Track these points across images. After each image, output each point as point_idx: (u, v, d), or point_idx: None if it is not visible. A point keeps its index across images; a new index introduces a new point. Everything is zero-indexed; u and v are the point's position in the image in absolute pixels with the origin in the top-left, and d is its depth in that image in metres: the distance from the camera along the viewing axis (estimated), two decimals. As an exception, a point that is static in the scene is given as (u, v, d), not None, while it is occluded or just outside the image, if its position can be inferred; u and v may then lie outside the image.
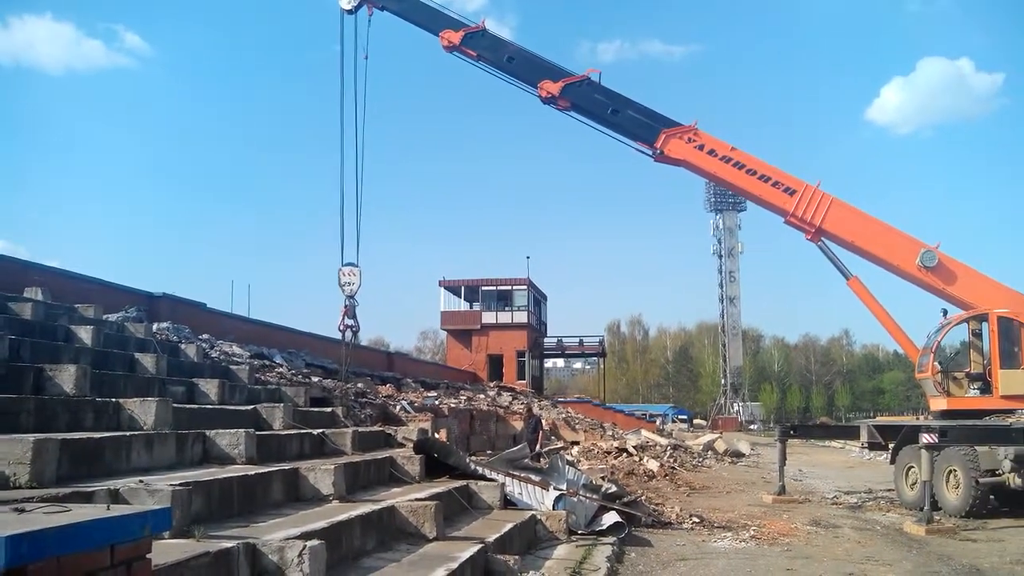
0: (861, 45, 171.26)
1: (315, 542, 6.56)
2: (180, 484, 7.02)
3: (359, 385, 24.01)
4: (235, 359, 19.73)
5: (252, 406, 13.23)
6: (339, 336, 19.19)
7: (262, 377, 18.85)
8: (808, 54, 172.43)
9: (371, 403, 21.31)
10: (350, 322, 18.26)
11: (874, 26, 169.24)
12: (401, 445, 14.61)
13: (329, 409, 16.22)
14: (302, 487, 9.59)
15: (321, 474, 9.65)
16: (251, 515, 8.19)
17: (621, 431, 44.17)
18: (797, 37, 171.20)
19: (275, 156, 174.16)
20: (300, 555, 6.38)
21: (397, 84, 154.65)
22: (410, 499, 9.90)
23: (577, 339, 72.55)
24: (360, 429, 14.63)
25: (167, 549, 5.85)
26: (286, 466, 9.84)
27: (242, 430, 10.08)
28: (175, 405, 10.69)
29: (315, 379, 22.08)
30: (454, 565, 7.93)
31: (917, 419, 24.10)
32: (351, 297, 18.06)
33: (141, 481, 7.13)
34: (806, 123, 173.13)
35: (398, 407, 22.97)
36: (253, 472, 8.96)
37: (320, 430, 13.06)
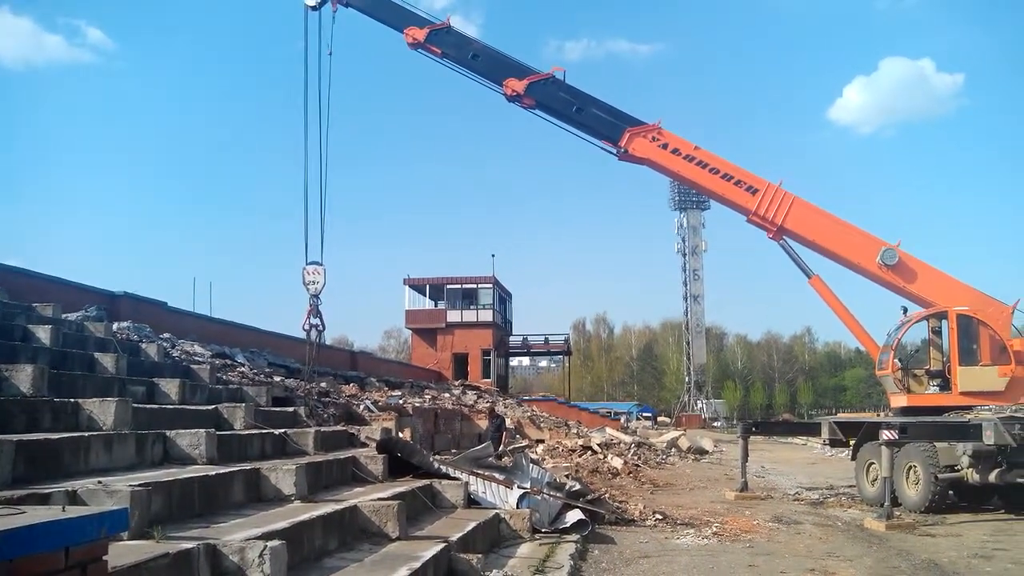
0: (825, 44, 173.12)
1: (276, 542, 6.54)
2: (139, 485, 6.96)
3: (322, 385, 23.91)
4: (196, 358, 19.57)
5: (213, 406, 13.13)
6: (303, 335, 19.11)
7: (224, 377, 18.72)
8: (772, 53, 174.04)
9: (334, 403, 21.23)
10: (315, 321, 18.16)
11: (839, 25, 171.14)
12: (364, 445, 14.57)
13: (291, 409, 16.14)
14: (263, 487, 9.54)
15: (283, 474, 9.60)
16: (212, 516, 8.14)
17: (586, 429, 44.25)
18: (761, 36, 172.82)
19: (240, 153, 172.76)
20: (261, 555, 6.35)
21: (363, 83, 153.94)
22: (373, 499, 9.88)
23: (543, 337, 72.73)
24: (323, 429, 14.58)
25: (126, 551, 5.81)
26: (247, 466, 9.77)
27: (202, 430, 10.01)
28: (135, 405, 10.58)
29: (278, 379, 21.96)
30: (417, 564, 7.92)
31: (878, 416, 24.34)
32: (315, 296, 17.97)
33: (100, 482, 7.06)
34: (769, 122, 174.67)
35: (362, 407, 22.89)
36: (214, 472, 8.90)
37: (282, 430, 13.00)
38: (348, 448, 14.34)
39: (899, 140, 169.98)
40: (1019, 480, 16.22)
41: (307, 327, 18.29)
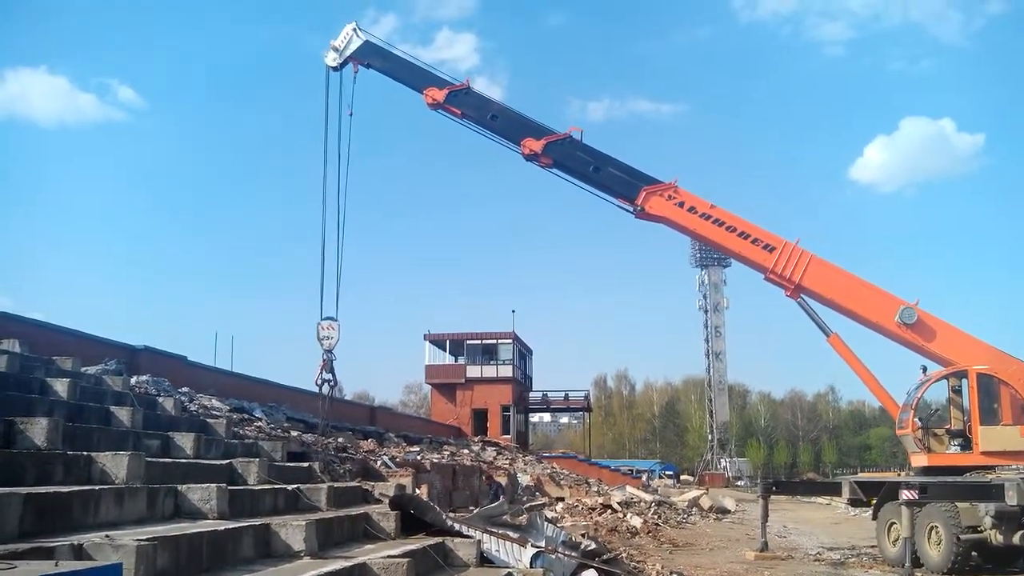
0: (844, 104, 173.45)
1: (282, 600, 6.51)
2: (146, 539, 6.97)
3: (339, 440, 23.85)
4: (214, 412, 19.60)
5: (227, 460, 13.11)
6: (317, 391, 19.18)
7: (240, 431, 18.72)
8: (792, 113, 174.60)
9: (351, 458, 21.13)
10: (327, 376, 18.22)
11: (857, 85, 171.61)
12: (378, 501, 14.46)
13: (306, 464, 16.08)
14: (273, 543, 9.50)
15: (292, 530, 9.56)
16: (220, 571, 8.12)
17: (606, 487, 43.92)
18: (781, 96, 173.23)
19: (267, 211, 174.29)
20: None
21: (382, 139, 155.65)
22: (383, 556, 9.82)
23: (563, 393, 72.48)
24: (336, 484, 14.52)
25: (128, 606, 5.81)
26: (257, 521, 9.74)
27: (214, 485, 10.00)
28: (148, 459, 10.60)
29: (295, 433, 21.93)
30: (424, 623, 7.86)
31: (899, 475, 24.05)
32: (329, 351, 18.03)
33: (107, 536, 7.06)
34: (791, 181, 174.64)
35: (379, 462, 22.78)
36: (223, 527, 8.88)
37: (295, 485, 12.96)
38: (362, 504, 14.25)
39: (921, 199, 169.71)
40: (1044, 542, 15.94)
41: (319, 382, 18.36)
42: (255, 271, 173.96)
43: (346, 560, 9.36)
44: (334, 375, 18.33)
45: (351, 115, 21.64)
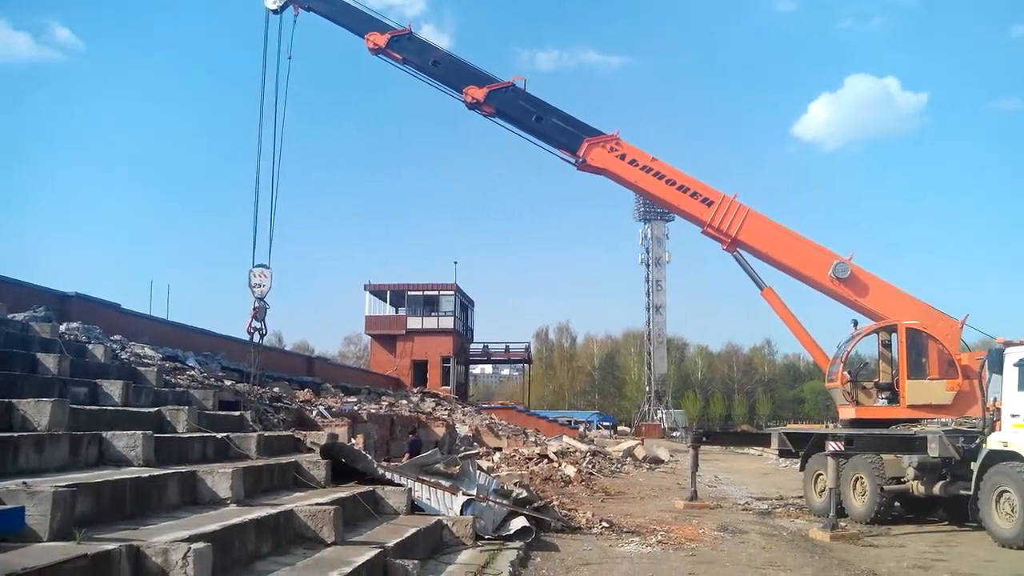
0: (793, 60, 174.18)
1: (201, 544, 6.50)
2: (65, 486, 6.90)
3: (275, 389, 23.76)
4: (145, 361, 19.36)
5: (157, 408, 12.98)
6: (248, 339, 19.01)
7: (172, 380, 18.51)
8: (739, 68, 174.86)
9: (287, 407, 21.10)
10: (258, 324, 18.06)
11: (806, 41, 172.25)
12: (310, 450, 14.47)
13: (238, 413, 16.00)
14: (199, 490, 9.46)
15: (220, 477, 9.53)
16: (143, 518, 8.08)
17: (544, 437, 44.31)
18: (729, 51, 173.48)
19: (204, 156, 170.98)
20: (184, 557, 6.31)
21: (325, 85, 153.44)
22: (310, 503, 9.84)
23: (504, 345, 72.70)
24: (267, 433, 14.51)
25: (42, 552, 5.77)
26: (184, 469, 9.69)
27: (140, 432, 9.90)
28: (74, 406, 10.49)
29: (228, 383, 21.76)
30: (348, 569, 7.91)
31: (828, 427, 24.57)
32: (261, 299, 17.85)
33: (24, 483, 6.95)
34: (735, 136, 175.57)
35: (315, 412, 22.78)
36: (147, 474, 8.83)
37: (225, 434, 12.90)
38: (294, 453, 14.24)
39: (863, 156, 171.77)
40: (963, 492, 16.39)
41: (250, 331, 18.19)
42: (192, 218, 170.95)
43: (273, 507, 9.37)
44: (264, 324, 18.15)
45: (290, 59, 21.26)
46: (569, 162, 23.08)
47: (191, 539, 6.75)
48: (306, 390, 28.69)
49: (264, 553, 8.32)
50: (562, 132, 23.01)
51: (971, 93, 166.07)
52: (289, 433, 16.10)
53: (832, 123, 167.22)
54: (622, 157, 22.53)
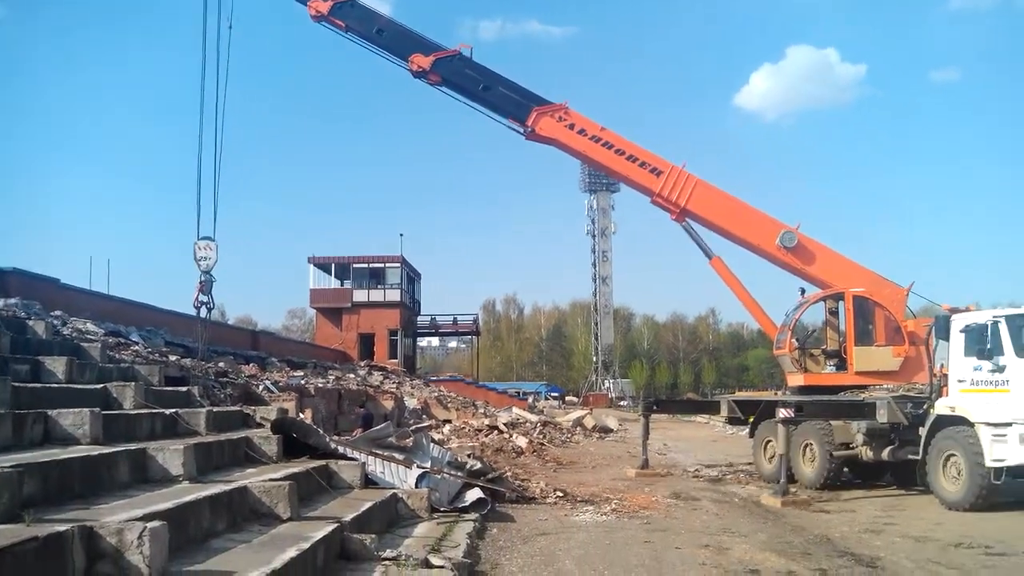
0: (735, 31, 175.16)
1: (156, 523, 6.30)
2: (11, 466, 6.66)
3: (220, 364, 23.38)
4: (88, 336, 18.91)
5: (102, 385, 12.68)
6: (195, 313, 18.68)
7: (116, 355, 18.10)
8: (683, 39, 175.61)
9: (233, 383, 20.77)
10: (204, 298, 17.74)
11: (748, 13, 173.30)
12: (260, 425, 14.24)
13: (185, 388, 15.71)
14: (150, 468, 9.23)
15: (171, 454, 9.31)
16: (94, 498, 7.84)
17: (493, 409, 44.42)
18: (672, 21, 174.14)
19: (142, 126, 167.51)
20: (140, 537, 6.12)
21: (268, 54, 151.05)
22: (264, 479, 9.67)
23: (452, 317, 72.46)
24: (216, 409, 14.25)
25: (-10, 535, 5.55)
26: (134, 446, 9.45)
27: (87, 409, 9.63)
28: (16, 384, 10.20)
29: (173, 358, 21.37)
30: (306, 545, 7.76)
31: (776, 394, 24.88)
32: (207, 272, 17.53)
33: (-34, 464, 6.71)
34: (678, 106, 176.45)
35: (261, 387, 22.50)
36: (97, 453, 8.60)
37: (174, 410, 12.64)
38: (243, 429, 14.00)
39: (803, 127, 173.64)
40: (911, 457, 16.64)
41: (197, 305, 17.89)
42: (133, 191, 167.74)
43: (226, 484, 9.19)
44: (212, 297, 17.84)
45: (231, 28, 20.72)
46: (517, 131, 22.98)
47: (145, 518, 6.55)
48: (251, 365, 28.35)
49: (219, 530, 8.15)
50: (510, 101, 22.89)
51: (909, 65, 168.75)
52: (238, 408, 15.85)
53: (773, 93, 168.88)
54: (571, 127, 22.49)
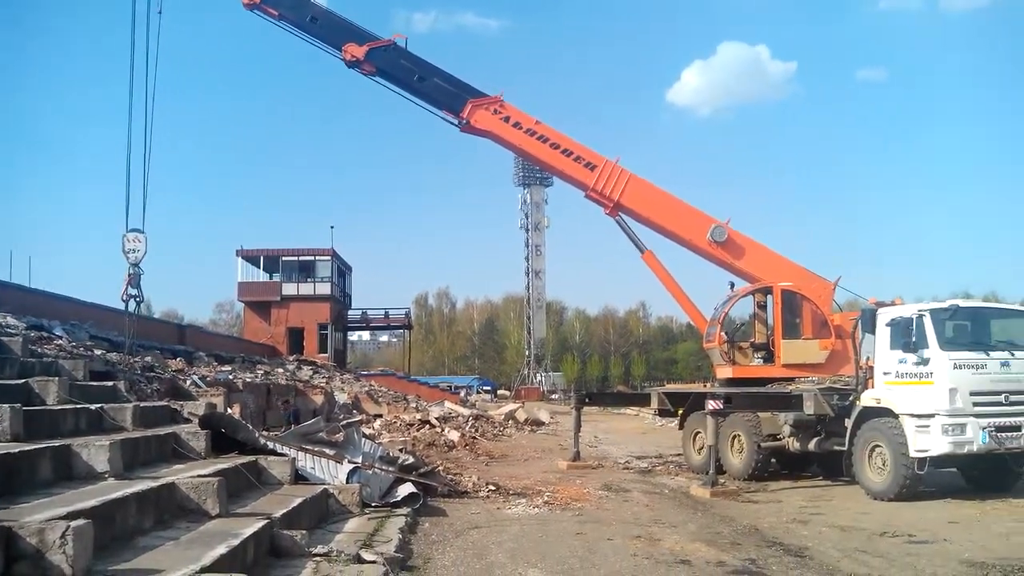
0: (666, 27, 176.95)
1: (80, 522, 6.17)
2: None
3: (147, 359, 22.95)
4: (8, 330, 18.40)
5: (23, 380, 12.33)
6: (123, 307, 18.28)
7: (38, 350, 17.66)
8: (616, 33, 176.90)
9: (159, 377, 20.43)
10: (133, 291, 17.39)
11: (680, 8, 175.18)
12: (188, 420, 13.99)
13: (111, 383, 15.34)
14: (75, 465, 9.01)
15: (96, 450, 9.09)
16: (14, 496, 7.63)
17: (425, 403, 44.31)
18: (605, 16, 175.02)
19: (63, 116, 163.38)
20: (63, 536, 5.98)
21: (196, 45, 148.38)
22: (192, 475, 9.50)
23: (383, 311, 72.03)
24: (143, 404, 13.92)
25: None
26: (56, 443, 9.21)
27: (6, 405, 9.34)
28: (-69, 380, 9.87)
29: (99, 352, 20.92)
30: (236, 541, 7.66)
31: (705, 387, 25.19)
32: (136, 265, 17.18)
33: None
34: (611, 101, 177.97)
35: (189, 381, 22.17)
36: (17, 450, 8.35)
37: (99, 405, 12.33)
38: (171, 424, 13.73)
39: (735, 123, 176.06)
40: (836, 448, 16.93)
41: (125, 298, 17.53)
42: (55, 181, 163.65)
43: (153, 480, 9.01)
44: (141, 290, 17.50)
45: (160, 13, 20.26)
46: (452, 123, 22.92)
47: (69, 516, 6.40)
48: (178, 359, 27.93)
49: (147, 528, 7.99)
50: (445, 93, 22.80)
51: (838, 63, 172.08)
52: (165, 404, 15.52)
53: (705, 90, 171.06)
54: (506, 120, 22.48)
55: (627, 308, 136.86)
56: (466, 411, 38.54)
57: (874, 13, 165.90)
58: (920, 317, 15.29)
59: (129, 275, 17.32)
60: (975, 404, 14.78)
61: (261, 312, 59.99)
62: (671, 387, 27.67)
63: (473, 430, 31.09)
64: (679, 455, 22.06)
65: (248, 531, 8.14)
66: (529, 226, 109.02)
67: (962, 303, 16.58)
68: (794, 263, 21.49)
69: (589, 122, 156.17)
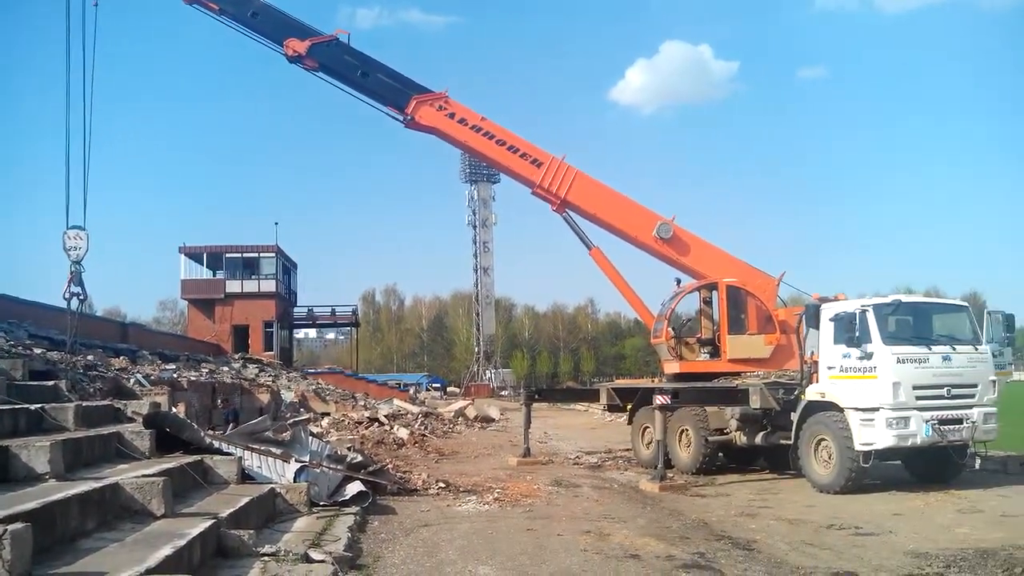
0: (611, 25, 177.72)
1: (18, 525, 6.02)
2: None
3: (89, 358, 22.55)
4: (-57, 330, 17.99)
5: (-41, 381, 12.06)
6: (65, 305, 17.88)
7: (-26, 350, 17.28)
8: (561, 31, 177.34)
9: (102, 376, 20.05)
10: (76, 289, 16.99)
11: (623, 6, 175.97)
12: (132, 420, 13.73)
13: (52, 383, 15.03)
14: (13, 467, 8.81)
15: (35, 451, 8.90)
16: (-52, 500, 7.43)
17: (374, 401, 44.11)
18: (551, 14, 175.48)
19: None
20: (0, 541, 5.82)
21: (132, 42, 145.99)
22: (137, 475, 9.34)
23: (330, 308, 71.41)
24: (85, 403, 13.64)
25: None
26: (-6, 444, 9.00)
27: (-59, 407, 9.13)
28: None
29: (38, 351, 20.50)
30: (182, 542, 7.55)
31: (653, 382, 25.36)
32: (77, 263, 16.80)
33: None
34: (556, 99, 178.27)
35: (132, 380, 21.80)
36: (-47, 452, 8.15)
37: (39, 405, 12.07)
38: (114, 424, 13.47)
39: (678, 121, 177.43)
40: (783, 441, 17.13)
41: (68, 296, 17.11)
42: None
43: (96, 481, 8.83)
44: (83, 288, 17.11)
45: (96, 5, 19.79)
46: (397, 120, 22.75)
47: (7, 519, 6.25)
48: (121, 358, 27.47)
49: (89, 530, 7.84)
50: (389, 89, 22.63)
51: (779, 62, 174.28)
52: (108, 403, 15.24)
53: (648, 88, 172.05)
54: (451, 116, 22.37)
55: (576, 304, 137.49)
56: (415, 409, 38.46)
57: (813, 13, 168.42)
58: (863, 312, 15.50)
59: (71, 273, 16.94)
60: (918, 398, 15.06)
61: (205, 310, 59.15)
62: (620, 383, 27.77)
63: (423, 428, 31.01)
64: (628, 450, 22.18)
65: (194, 531, 8.03)
66: (477, 223, 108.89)
67: (904, 298, 16.85)
68: (738, 259, 21.66)
69: (534, 120, 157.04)
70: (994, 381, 15.95)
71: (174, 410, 17.22)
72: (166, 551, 7.16)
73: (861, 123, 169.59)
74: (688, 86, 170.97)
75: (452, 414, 39.45)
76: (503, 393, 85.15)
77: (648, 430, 19.90)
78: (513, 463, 20.72)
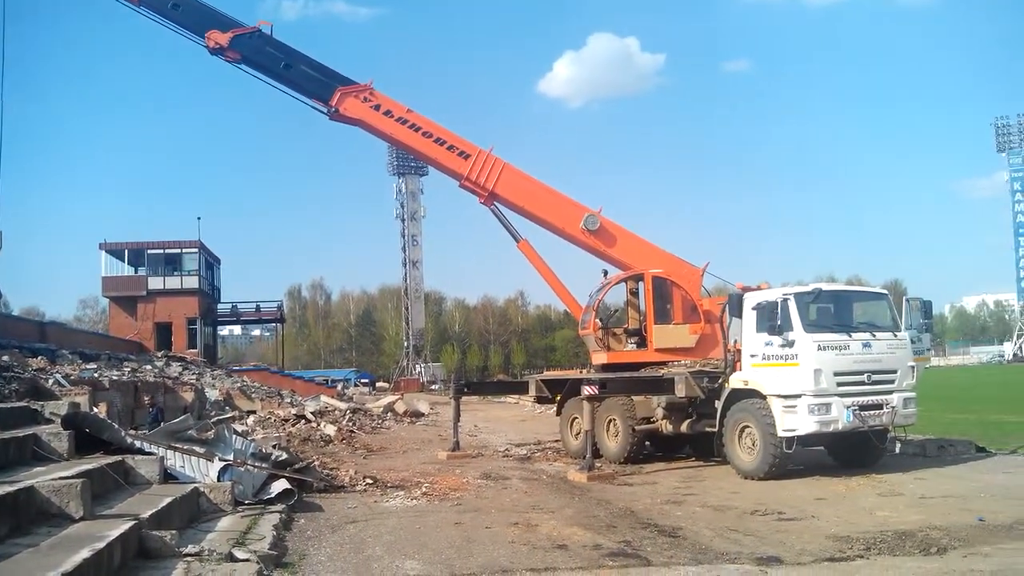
0: (538, 17, 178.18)
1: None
2: None
3: (5, 358, 21.92)
4: None
5: None
6: None
7: None
8: (487, 23, 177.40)
9: (19, 377, 19.48)
10: None
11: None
12: (50, 421, 13.39)
13: (-35, 385, 14.64)
14: (-80, 472, 8.54)
15: (-55, 456, 8.63)
16: None
17: (301, 398, 43.64)
18: (477, 5, 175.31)
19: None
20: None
21: (50, 36, 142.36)
22: (54, 477, 9.11)
23: (254, 304, 70.53)
24: (0, 405, 13.31)
25: None
26: (-100, 449, 8.71)
27: None
28: None
29: (-50, 353, 19.91)
30: (101, 545, 7.38)
31: (581, 373, 25.53)
32: (-9, 262, 16.37)
33: None
34: (483, 91, 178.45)
35: (51, 381, 21.22)
36: None
37: (-50, 408, 11.73)
38: (31, 425, 13.13)
39: (605, 113, 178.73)
40: (708, 429, 17.40)
41: None
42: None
43: (10, 484, 8.58)
44: None
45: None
46: (321, 112, 22.55)
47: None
48: (40, 358, 26.75)
49: (2, 536, 7.61)
50: (313, 81, 22.42)
51: (705, 55, 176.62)
52: (25, 404, 14.85)
53: (576, 81, 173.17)
54: (376, 108, 22.24)
55: (507, 297, 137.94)
56: (343, 405, 38.16)
57: (739, 7, 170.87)
58: (785, 301, 15.78)
59: (-16, 271, 16.49)
60: (839, 384, 15.39)
61: (127, 307, 57.95)
62: (549, 374, 27.79)
63: (351, 424, 30.79)
64: (557, 441, 22.30)
65: (114, 533, 7.86)
66: (405, 216, 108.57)
67: (825, 287, 17.19)
68: (664, 250, 21.90)
69: (461, 112, 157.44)
70: (913, 367, 16.39)
71: (95, 410, 16.82)
72: (84, 554, 6.99)
73: (785, 115, 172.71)
74: (615, 78, 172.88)
75: (381, 409, 39.19)
76: (433, 387, 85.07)
77: (577, 421, 20.01)
78: (442, 457, 20.70)
